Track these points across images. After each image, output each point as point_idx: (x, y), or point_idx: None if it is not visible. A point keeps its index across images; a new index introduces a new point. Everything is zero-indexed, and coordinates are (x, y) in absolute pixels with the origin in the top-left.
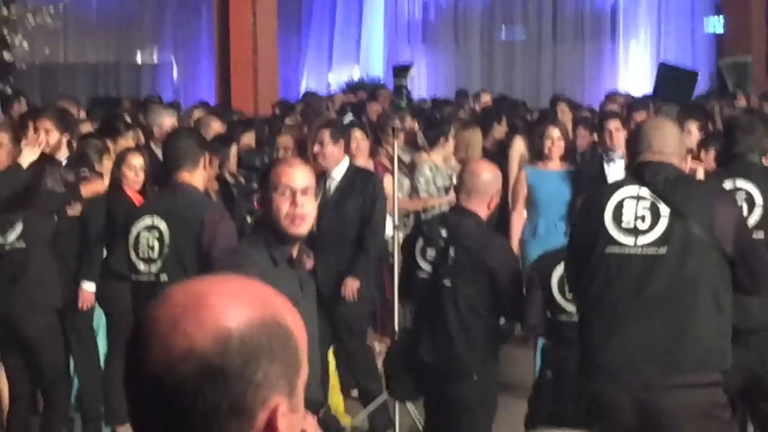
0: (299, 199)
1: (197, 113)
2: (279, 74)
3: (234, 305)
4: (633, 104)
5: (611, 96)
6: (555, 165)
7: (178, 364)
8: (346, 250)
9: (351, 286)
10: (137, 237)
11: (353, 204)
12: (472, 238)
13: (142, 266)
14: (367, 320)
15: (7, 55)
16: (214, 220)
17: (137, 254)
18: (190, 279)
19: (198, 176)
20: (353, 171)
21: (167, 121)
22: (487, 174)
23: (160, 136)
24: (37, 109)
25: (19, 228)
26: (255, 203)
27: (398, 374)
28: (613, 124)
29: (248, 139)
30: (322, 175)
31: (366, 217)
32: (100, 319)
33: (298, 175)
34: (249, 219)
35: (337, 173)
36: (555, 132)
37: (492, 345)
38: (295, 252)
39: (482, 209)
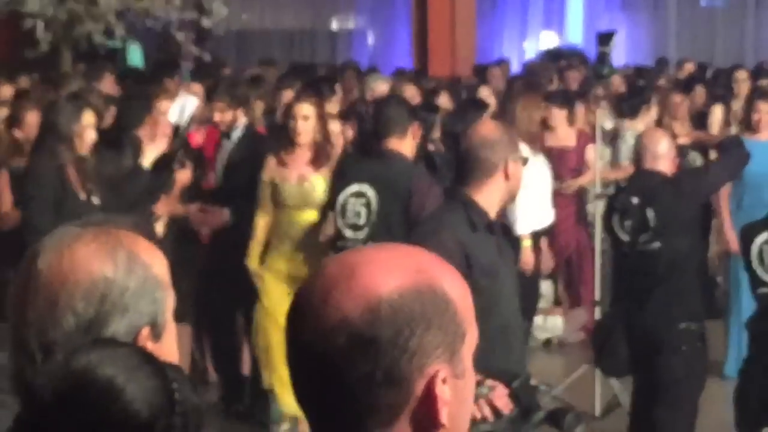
0: None
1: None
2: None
3: (385, 274)
4: None
5: None
6: (764, 136)
7: (331, 335)
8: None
9: None
10: (344, 204)
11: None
12: (663, 196)
13: (348, 233)
14: None
15: (205, 21)
16: (423, 188)
17: (344, 221)
18: (342, 253)
19: (406, 144)
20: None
21: (382, 87)
22: (661, 137)
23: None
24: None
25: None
26: None
27: (608, 349)
28: None
29: (446, 105)
30: None
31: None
32: None
33: None
34: None
35: None
36: (764, 105)
37: (699, 312)
38: (494, 215)
39: (666, 169)
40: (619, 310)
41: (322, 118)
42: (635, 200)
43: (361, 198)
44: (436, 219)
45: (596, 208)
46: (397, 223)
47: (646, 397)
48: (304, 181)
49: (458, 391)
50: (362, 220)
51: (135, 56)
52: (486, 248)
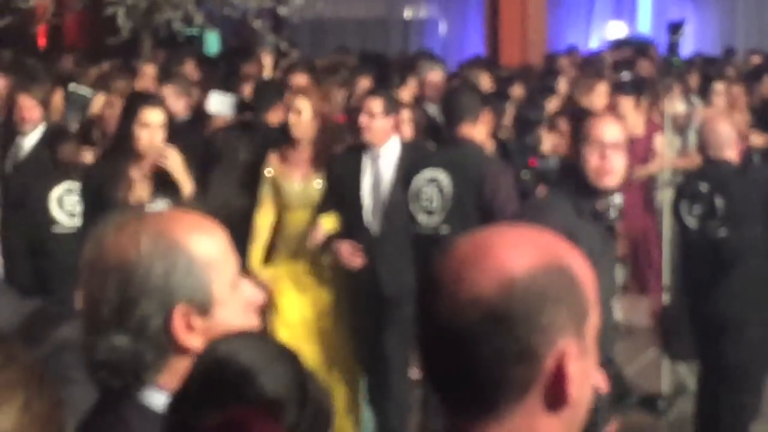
0: (608, 152)
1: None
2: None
3: (517, 253)
4: None
5: None
6: None
7: (465, 312)
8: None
9: None
10: (418, 189)
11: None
12: (733, 184)
13: (422, 218)
14: None
15: (282, 10)
16: (496, 174)
17: (418, 206)
18: (473, 231)
19: (479, 130)
20: (408, 149)
21: (435, 75)
22: (724, 124)
23: (430, 91)
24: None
25: None
26: (531, 159)
27: (676, 333)
28: None
29: (519, 93)
30: (366, 152)
31: None
32: None
33: (609, 130)
34: (524, 175)
35: (388, 151)
36: None
37: (764, 299)
38: (600, 206)
39: (733, 156)
40: (686, 296)
41: (322, 115)
42: (704, 187)
43: (434, 183)
44: (544, 202)
45: (664, 196)
46: (471, 209)
47: (713, 381)
48: (307, 180)
49: (584, 367)
50: (435, 205)
51: (212, 43)
52: (590, 236)
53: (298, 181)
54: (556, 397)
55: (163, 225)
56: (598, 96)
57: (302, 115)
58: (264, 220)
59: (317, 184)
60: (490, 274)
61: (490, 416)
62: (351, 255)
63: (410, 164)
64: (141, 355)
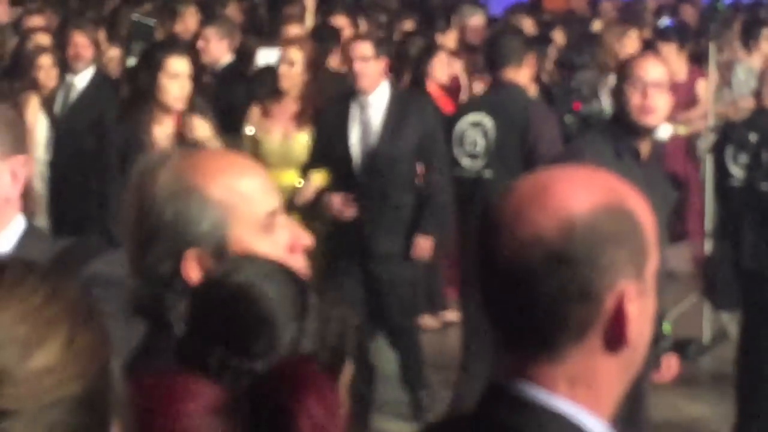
0: (650, 90)
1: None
2: None
3: (578, 192)
4: None
5: None
6: None
7: (525, 251)
8: (398, 195)
9: (423, 246)
10: (462, 133)
11: (407, 138)
12: None
13: (465, 161)
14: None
15: None
16: (541, 119)
17: (462, 150)
18: (526, 174)
19: (523, 74)
20: (402, 96)
21: (476, 19)
22: None
23: (471, 36)
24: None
25: None
26: (574, 103)
27: (720, 282)
28: None
29: (560, 38)
30: (354, 100)
31: (425, 155)
32: None
33: (651, 69)
34: (568, 119)
35: (377, 98)
36: None
37: None
38: (644, 147)
39: None
40: (728, 244)
41: (313, 66)
42: (753, 137)
43: (478, 127)
44: (580, 142)
45: (707, 142)
46: (514, 153)
47: (754, 329)
48: (288, 137)
49: (643, 309)
50: (479, 149)
51: None
52: (630, 177)
53: (279, 136)
54: (615, 337)
55: (185, 168)
56: (631, 42)
57: (294, 67)
58: None
59: (301, 139)
60: (550, 214)
61: (549, 356)
62: (342, 206)
63: (454, 111)
64: (159, 299)
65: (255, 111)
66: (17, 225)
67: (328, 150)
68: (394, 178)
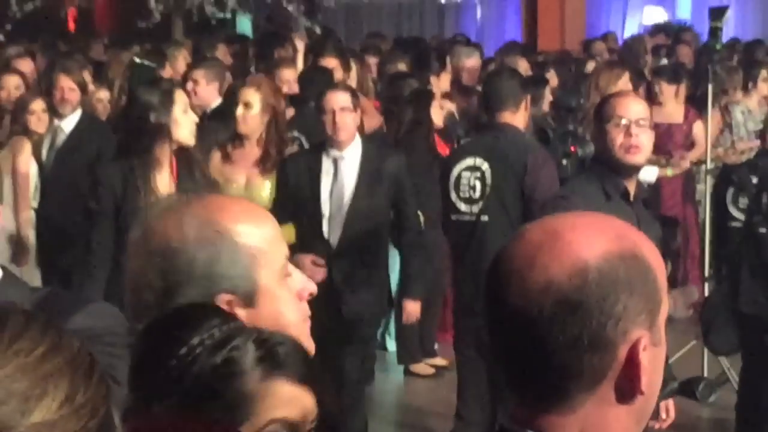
0: (634, 129)
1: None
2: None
3: (590, 239)
4: None
5: None
6: None
7: (537, 298)
8: (372, 255)
9: (411, 311)
10: (458, 177)
11: (382, 194)
12: None
13: (463, 206)
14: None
15: None
16: (538, 163)
17: (458, 194)
18: (543, 219)
19: (520, 117)
20: (376, 149)
21: (472, 60)
22: None
23: (467, 77)
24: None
25: None
26: (571, 146)
27: (717, 326)
28: None
29: (554, 79)
30: (326, 153)
31: (401, 210)
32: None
33: (633, 106)
34: (565, 162)
35: (351, 151)
36: None
37: None
38: (631, 186)
39: None
40: (725, 288)
41: (273, 109)
42: (754, 179)
43: (475, 171)
44: (569, 186)
45: (706, 185)
46: (512, 197)
47: (754, 374)
48: (251, 185)
49: (656, 357)
50: (477, 194)
51: (244, 27)
52: (621, 217)
53: (242, 184)
54: (628, 387)
55: (210, 212)
56: (623, 84)
57: (251, 109)
58: None
59: (266, 187)
60: (562, 261)
61: (561, 405)
62: (312, 269)
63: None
64: None
65: (215, 156)
66: None
67: (296, 205)
68: (368, 236)
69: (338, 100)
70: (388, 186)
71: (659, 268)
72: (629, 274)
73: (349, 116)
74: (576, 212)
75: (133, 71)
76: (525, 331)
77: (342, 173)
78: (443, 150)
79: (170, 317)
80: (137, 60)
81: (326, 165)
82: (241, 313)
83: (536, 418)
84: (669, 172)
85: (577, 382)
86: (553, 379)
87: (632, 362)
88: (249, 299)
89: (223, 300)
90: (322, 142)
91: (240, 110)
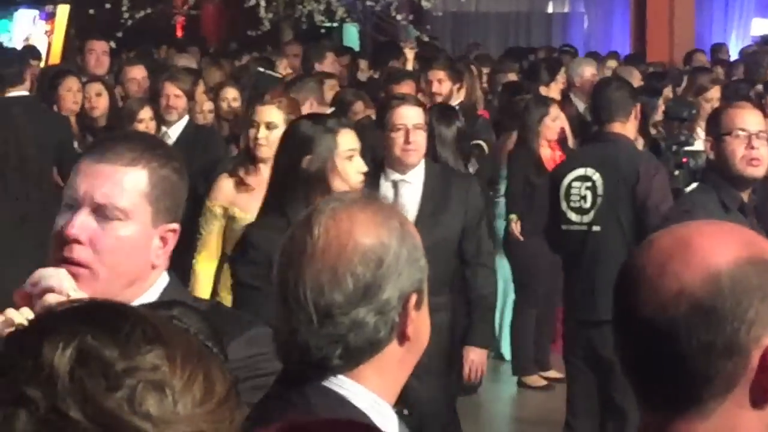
0: (755, 141)
1: (611, 63)
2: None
3: (721, 245)
4: None
5: None
6: None
7: (670, 305)
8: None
9: (477, 362)
10: (569, 187)
11: (449, 225)
12: None
13: (573, 216)
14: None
15: (425, 3)
16: (650, 172)
17: (569, 204)
18: (670, 227)
19: (630, 127)
20: (444, 174)
21: (588, 71)
22: None
23: (580, 86)
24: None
25: None
26: (683, 157)
27: None
28: None
29: (665, 90)
30: (386, 177)
31: (470, 244)
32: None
33: (753, 119)
34: (677, 173)
35: (415, 175)
36: None
37: None
38: (746, 198)
39: None
40: None
41: None
42: None
43: (586, 182)
44: (689, 199)
45: None
46: (624, 207)
47: None
48: None
49: None
50: (588, 204)
51: (351, 36)
52: None
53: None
54: (761, 393)
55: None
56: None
57: (274, 130)
58: (205, 268)
59: None
60: (695, 267)
61: (693, 413)
62: None
63: (560, 164)
64: (377, 331)
65: (226, 183)
66: (161, 282)
67: None
68: (432, 273)
69: (412, 115)
70: (456, 215)
71: None
72: (761, 279)
73: (422, 135)
74: (706, 220)
75: (255, 81)
76: (657, 338)
77: (402, 200)
78: (555, 162)
79: None
80: (260, 69)
81: (384, 189)
82: (414, 315)
83: (667, 427)
84: None
85: (709, 389)
86: (685, 386)
87: (765, 368)
88: (421, 302)
89: (412, 300)
90: (380, 162)
91: (262, 131)
